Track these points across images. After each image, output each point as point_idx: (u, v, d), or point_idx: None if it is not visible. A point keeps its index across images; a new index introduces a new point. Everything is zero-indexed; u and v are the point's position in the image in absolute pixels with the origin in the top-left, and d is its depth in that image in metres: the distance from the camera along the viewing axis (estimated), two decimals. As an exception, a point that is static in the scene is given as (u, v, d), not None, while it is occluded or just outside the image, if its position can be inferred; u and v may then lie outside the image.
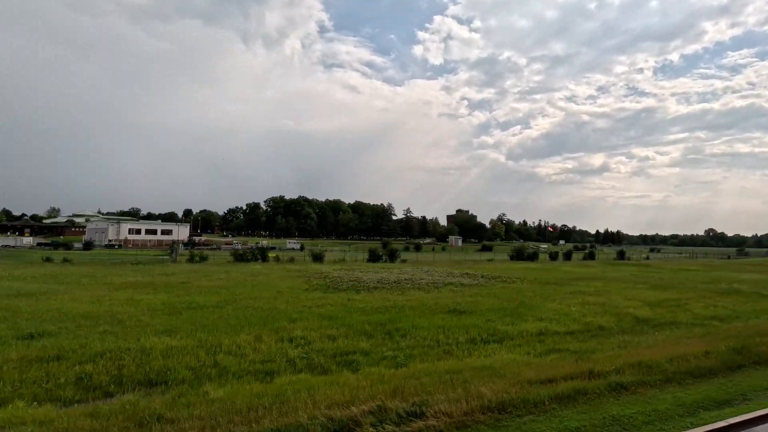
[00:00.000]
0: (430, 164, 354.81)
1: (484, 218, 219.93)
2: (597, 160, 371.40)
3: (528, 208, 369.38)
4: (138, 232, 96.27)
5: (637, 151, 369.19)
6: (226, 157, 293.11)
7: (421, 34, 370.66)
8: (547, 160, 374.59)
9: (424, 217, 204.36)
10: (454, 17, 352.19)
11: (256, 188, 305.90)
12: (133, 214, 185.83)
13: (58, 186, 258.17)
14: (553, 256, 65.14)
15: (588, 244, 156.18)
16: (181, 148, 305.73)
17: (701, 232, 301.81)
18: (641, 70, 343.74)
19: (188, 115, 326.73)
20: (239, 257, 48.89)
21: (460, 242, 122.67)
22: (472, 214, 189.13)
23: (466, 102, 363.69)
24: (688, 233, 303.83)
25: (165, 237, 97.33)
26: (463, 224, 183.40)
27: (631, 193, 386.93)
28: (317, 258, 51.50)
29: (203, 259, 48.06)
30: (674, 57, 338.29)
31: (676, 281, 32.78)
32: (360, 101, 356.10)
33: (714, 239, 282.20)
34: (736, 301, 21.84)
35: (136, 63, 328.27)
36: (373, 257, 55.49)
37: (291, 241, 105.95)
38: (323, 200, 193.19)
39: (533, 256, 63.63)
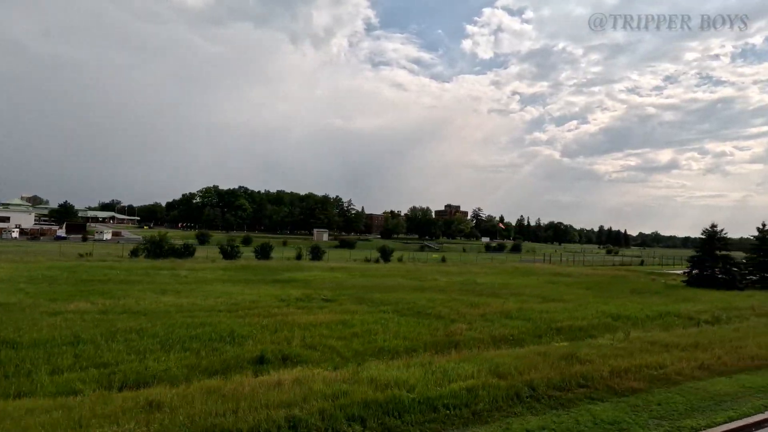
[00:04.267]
0: (480, 162, 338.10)
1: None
2: (664, 156, 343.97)
3: (585, 208, 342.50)
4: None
5: (711, 146, 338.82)
6: (277, 154, 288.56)
7: (469, 28, 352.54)
8: (607, 156, 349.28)
9: (382, 212, 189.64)
10: (504, 8, 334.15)
11: (308, 184, 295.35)
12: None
13: (118, 179, 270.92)
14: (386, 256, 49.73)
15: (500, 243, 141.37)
16: (237, 146, 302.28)
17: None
18: (717, 57, 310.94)
19: (243, 114, 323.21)
20: None
21: (325, 236, 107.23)
22: (426, 209, 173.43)
23: (517, 97, 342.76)
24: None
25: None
26: (415, 219, 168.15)
27: (704, 193, 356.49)
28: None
29: None
30: (757, 40, 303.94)
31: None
32: (407, 98, 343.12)
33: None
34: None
35: (194, 66, 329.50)
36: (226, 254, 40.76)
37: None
38: (263, 191, 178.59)
39: (384, 257, 48.45)
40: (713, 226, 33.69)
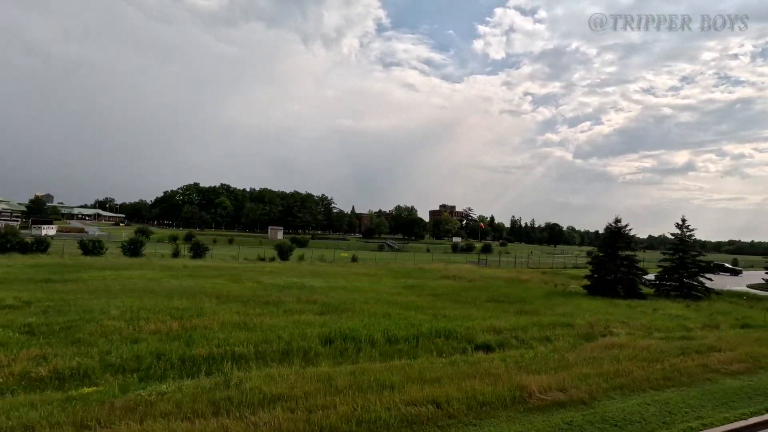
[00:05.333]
0: (491, 163, 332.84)
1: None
2: (680, 158, 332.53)
3: (598, 210, 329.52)
4: None
5: (729, 147, 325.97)
6: (288, 154, 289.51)
7: (481, 28, 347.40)
8: (621, 158, 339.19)
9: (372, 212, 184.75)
10: (516, 8, 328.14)
11: (319, 183, 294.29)
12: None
13: (127, 179, 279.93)
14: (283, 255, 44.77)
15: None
16: (248, 145, 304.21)
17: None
18: (735, 56, 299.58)
19: (254, 114, 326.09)
20: None
21: (279, 234, 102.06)
22: (411, 208, 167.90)
23: (529, 97, 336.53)
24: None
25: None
26: (399, 218, 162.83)
27: (722, 195, 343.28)
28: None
29: None
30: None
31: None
32: (418, 99, 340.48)
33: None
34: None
35: (208, 66, 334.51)
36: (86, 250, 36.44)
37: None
38: (247, 189, 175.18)
39: (283, 255, 43.50)
40: (617, 220, 27.95)
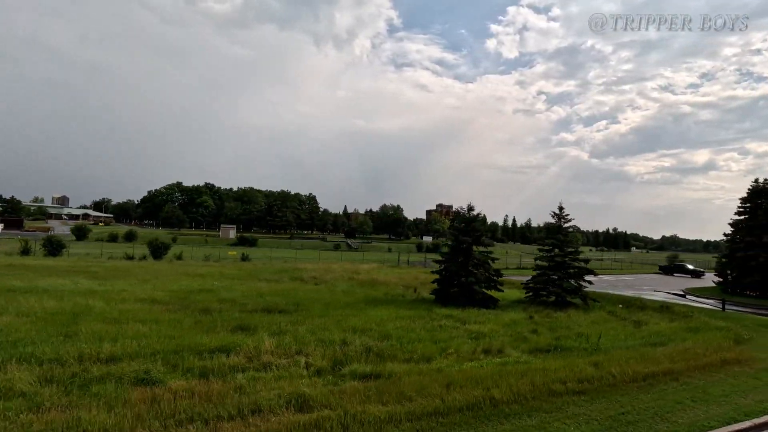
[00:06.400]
0: (504, 162, 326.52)
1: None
2: (701, 157, 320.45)
3: (614, 210, 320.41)
4: None
5: (753, 146, 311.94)
6: (300, 155, 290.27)
7: (494, 27, 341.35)
8: (639, 157, 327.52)
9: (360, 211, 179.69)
10: (530, 6, 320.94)
11: (330, 184, 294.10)
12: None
13: (138, 179, 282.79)
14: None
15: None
16: (261, 147, 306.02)
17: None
18: (758, 51, 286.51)
19: (267, 115, 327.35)
20: None
21: (231, 233, 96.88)
22: (397, 206, 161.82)
23: (543, 96, 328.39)
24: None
25: None
26: (384, 218, 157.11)
27: (745, 195, 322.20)
28: None
29: None
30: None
31: None
32: (430, 100, 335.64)
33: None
34: None
35: (221, 69, 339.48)
36: None
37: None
38: (234, 189, 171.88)
39: (156, 254, 38.38)
40: (470, 208, 21.87)
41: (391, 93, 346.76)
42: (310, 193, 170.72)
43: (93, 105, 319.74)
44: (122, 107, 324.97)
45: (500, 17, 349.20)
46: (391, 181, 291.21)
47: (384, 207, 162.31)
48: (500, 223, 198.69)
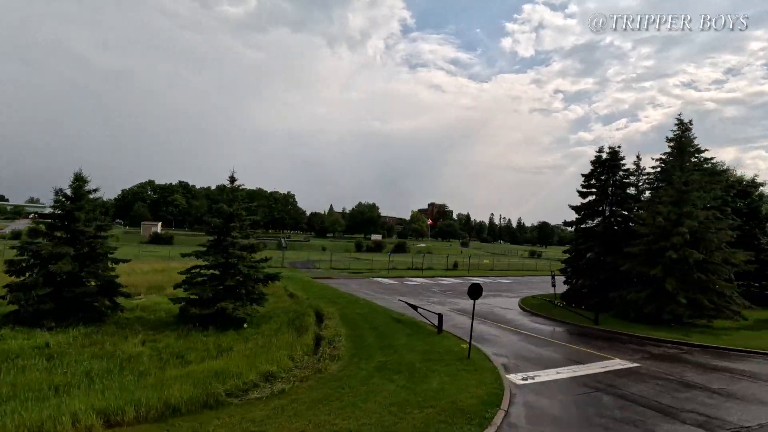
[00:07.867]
0: (519, 163, 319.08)
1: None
2: (726, 155, 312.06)
3: None
4: None
5: None
6: (315, 158, 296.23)
7: (509, 26, 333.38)
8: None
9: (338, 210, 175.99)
10: (546, 4, 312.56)
11: (345, 186, 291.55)
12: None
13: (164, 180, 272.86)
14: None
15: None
16: (277, 150, 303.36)
17: None
18: None
19: (283, 118, 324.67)
20: None
21: (154, 229, 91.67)
22: (372, 205, 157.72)
23: (560, 95, 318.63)
24: None
25: None
26: (357, 216, 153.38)
27: None
28: None
29: None
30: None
31: None
32: (445, 100, 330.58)
33: None
34: None
35: (237, 72, 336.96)
36: None
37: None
38: (212, 187, 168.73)
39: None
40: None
41: (406, 94, 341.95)
42: (289, 192, 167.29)
43: (112, 108, 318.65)
44: (138, 110, 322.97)
45: (515, 15, 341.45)
46: (407, 181, 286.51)
47: (359, 205, 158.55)
48: (498, 222, 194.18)
